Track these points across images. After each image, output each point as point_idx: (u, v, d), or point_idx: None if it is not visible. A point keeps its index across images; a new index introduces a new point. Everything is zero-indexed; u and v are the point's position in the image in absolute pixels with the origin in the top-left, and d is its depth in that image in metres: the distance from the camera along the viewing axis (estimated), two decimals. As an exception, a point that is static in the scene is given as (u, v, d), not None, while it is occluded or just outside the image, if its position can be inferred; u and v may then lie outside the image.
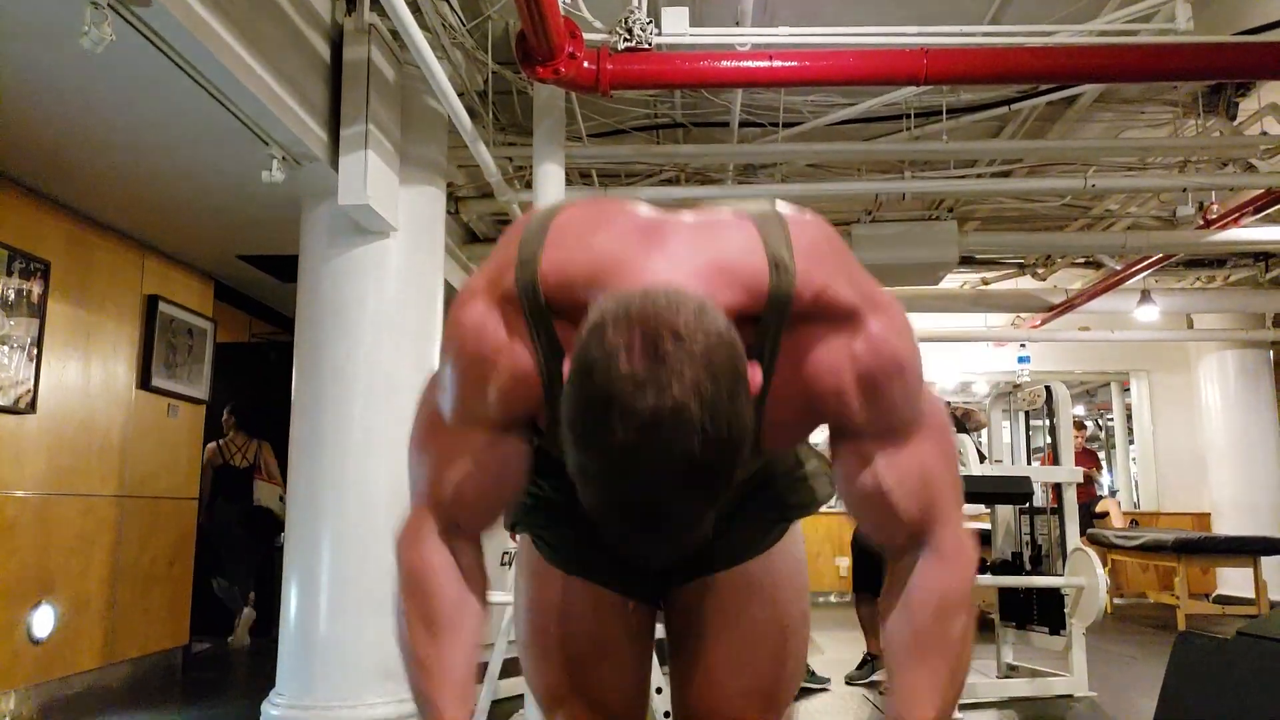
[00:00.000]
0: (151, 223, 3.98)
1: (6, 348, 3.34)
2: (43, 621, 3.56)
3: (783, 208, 0.94)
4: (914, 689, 0.94)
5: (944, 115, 4.10)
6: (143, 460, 4.19)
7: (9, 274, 3.34)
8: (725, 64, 3.16)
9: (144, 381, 4.17)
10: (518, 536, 1.28)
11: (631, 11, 3.10)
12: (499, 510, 1.03)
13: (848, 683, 4.19)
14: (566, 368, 0.78)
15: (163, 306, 4.28)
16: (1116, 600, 7.07)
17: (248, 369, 5.53)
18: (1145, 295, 6.38)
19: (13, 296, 3.37)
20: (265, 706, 3.13)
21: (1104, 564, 6.56)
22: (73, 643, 3.74)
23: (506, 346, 0.91)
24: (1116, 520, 7.31)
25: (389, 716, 3.07)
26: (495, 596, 3.57)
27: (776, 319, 0.88)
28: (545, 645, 1.16)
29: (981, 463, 3.90)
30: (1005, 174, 4.86)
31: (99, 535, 3.93)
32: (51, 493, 3.64)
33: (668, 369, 0.72)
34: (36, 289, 3.49)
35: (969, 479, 3.62)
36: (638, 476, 0.73)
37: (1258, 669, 1.56)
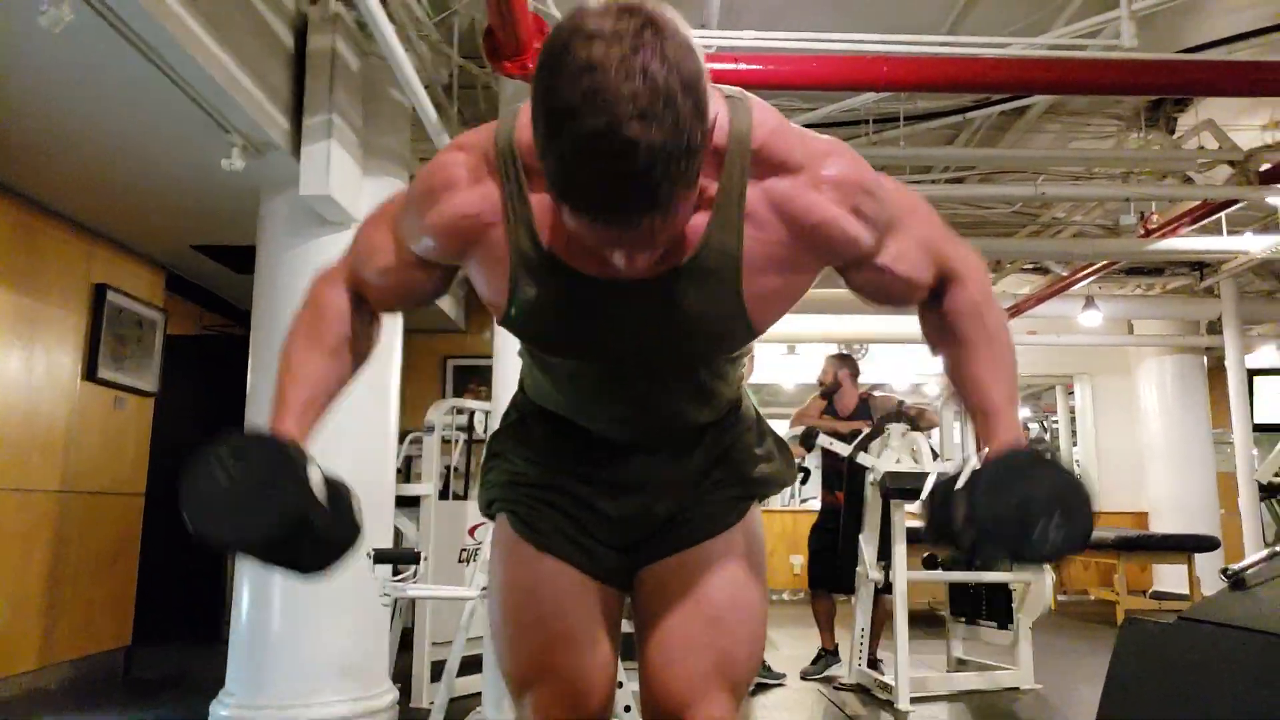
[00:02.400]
0: (102, 210, 3.87)
1: (-54, 336, 3.22)
2: (-20, 620, 3.44)
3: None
4: (981, 380, 1.05)
5: (901, 122, 4.19)
6: (86, 454, 4.08)
7: (-50, 259, 3.23)
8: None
9: (90, 373, 4.06)
10: (487, 526, 1.30)
11: (599, 8, 3.11)
12: (395, 310, 1.14)
13: (803, 678, 4.26)
14: (534, 216, 0.89)
15: (111, 296, 4.16)
16: (1060, 597, 7.29)
17: (200, 362, 5.41)
18: (1089, 301, 6.60)
19: (-46, 283, 3.25)
20: (214, 707, 3.06)
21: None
22: (10, 642, 3.62)
23: (473, 184, 0.97)
24: (1059, 519, 7.52)
25: (345, 715, 3.03)
26: (453, 591, 3.56)
27: (740, 156, 0.93)
28: (517, 626, 1.18)
29: (935, 460, 3.99)
30: (959, 180, 4.99)
31: (39, 531, 3.81)
32: (-9, 487, 3.52)
33: (633, 29, 0.75)
34: (-21, 275, 3.38)
35: (923, 475, 3.70)
36: (598, 95, 0.73)
37: (1198, 651, 1.63)
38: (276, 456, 0.96)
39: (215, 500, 0.92)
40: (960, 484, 0.98)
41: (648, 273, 0.92)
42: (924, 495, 1.05)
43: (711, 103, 0.81)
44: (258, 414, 3.24)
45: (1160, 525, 7.26)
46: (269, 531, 0.92)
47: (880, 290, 1.06)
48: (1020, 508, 0.94)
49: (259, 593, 3.14)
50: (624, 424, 1.16)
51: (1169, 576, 6.93)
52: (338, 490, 0.99)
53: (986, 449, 1.01)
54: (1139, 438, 7.75)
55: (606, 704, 1.21)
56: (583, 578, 1.18)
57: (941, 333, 1.10)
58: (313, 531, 0.95)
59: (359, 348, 1.11)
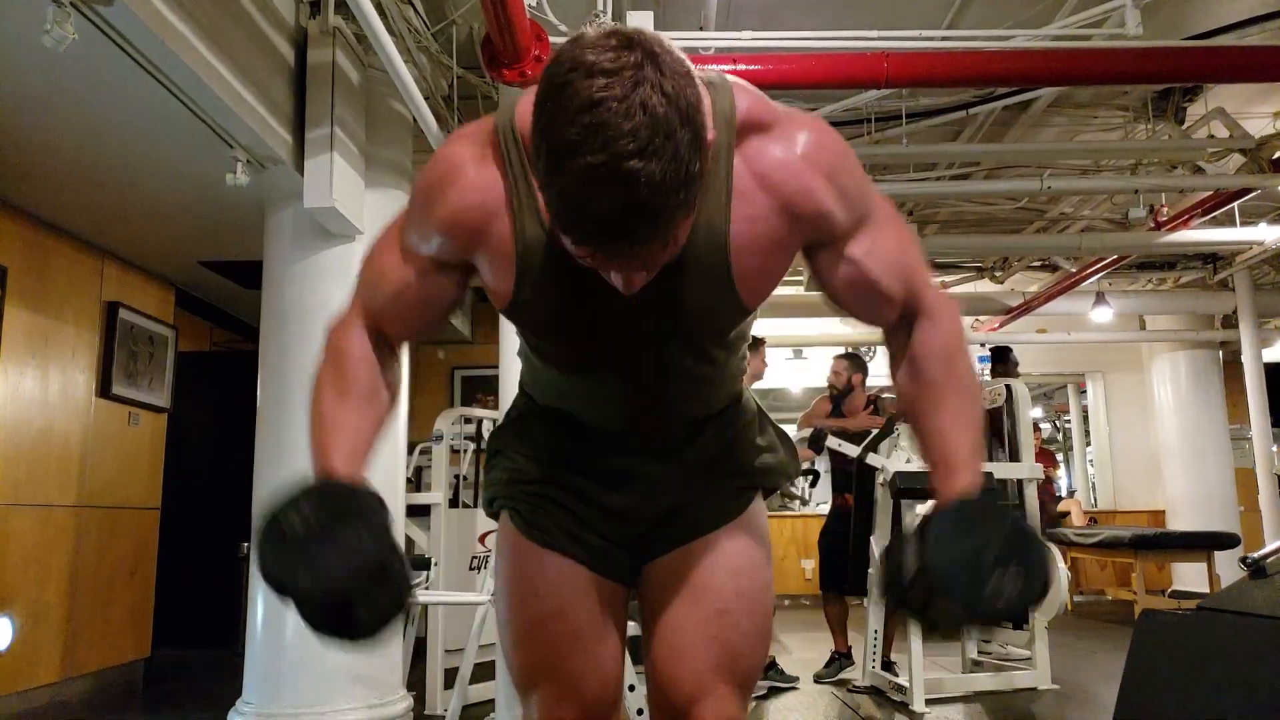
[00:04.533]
0: (112, 228, 3.92)
1: (-39, 354, 3.27)
2: (1, 633, 3.47)
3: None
4: (943, 429, 1.01)
5: (904, 120, 4.19)
6: (102, 469, 4.12)
7: (-37, 279, 3.28)
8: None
9: (104, 390, 4.10)
10: (493, 534, 1.29)
11: (597, 15, 3.13)
12: (416, 333, 1.12)
13: (816, 681, 4.23)
14: (539, 201, 0.87)
15: (123, 314, 4.20)
16: (1076, 597, 7.21)
17: (211, 378, 5.45)
18: (1100, 297, 6.54)
19: (-33, 302, 3.30)
20: (232, 715, 3.09)
21: (1065, 561, 6.73)
22: (31, 656, 3.65)
23: (476, 174, 0.97)
24: (1077, 519, 7.47)
25: (359, 722, 3.05)
26: (463, 597, 3.57)
27: (725, 136, 0.95)
28: (521, 624, 1.18)
29: (945, 460, 3.97)
30: (964, 177, 4.97)
31: (57, 545, 3.84)
32: (8, 503, 3.55)
33: (633, 64, 0.77)
34: (-8, 294, 3.42)
35: (928, 475, 3.68)
36: (600, 132, 0.75)
37: (1218, 640, 1.61)
38: (354, 503, 0.93)
39: (292, 548, 0.89)
40: (911, 535, 0.94)
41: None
42: (879, 552, 1.02)
43: (706, 124, 0.82)
44: (267, 428, 3.26)
45: (1178, 523, 7.18)
46: (346, 577, 0.88)
47: (849, 290, 1.04)
48: (972, 559, 0.88)
49: (273, 603, 3.15)
50: (622, 416, 1.16)
51: (1188, 575, 6.85)
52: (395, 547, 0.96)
53: (939, 500, 0.97)
54: (1154, 435, 7.67)
55: (613, 701, 1.20)
56: (587, 574, 1.18)
57: (908, 374, 1.07)
58: (387, 581, 0.91)
59: (388, 388, 1.09)
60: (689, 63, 0.83)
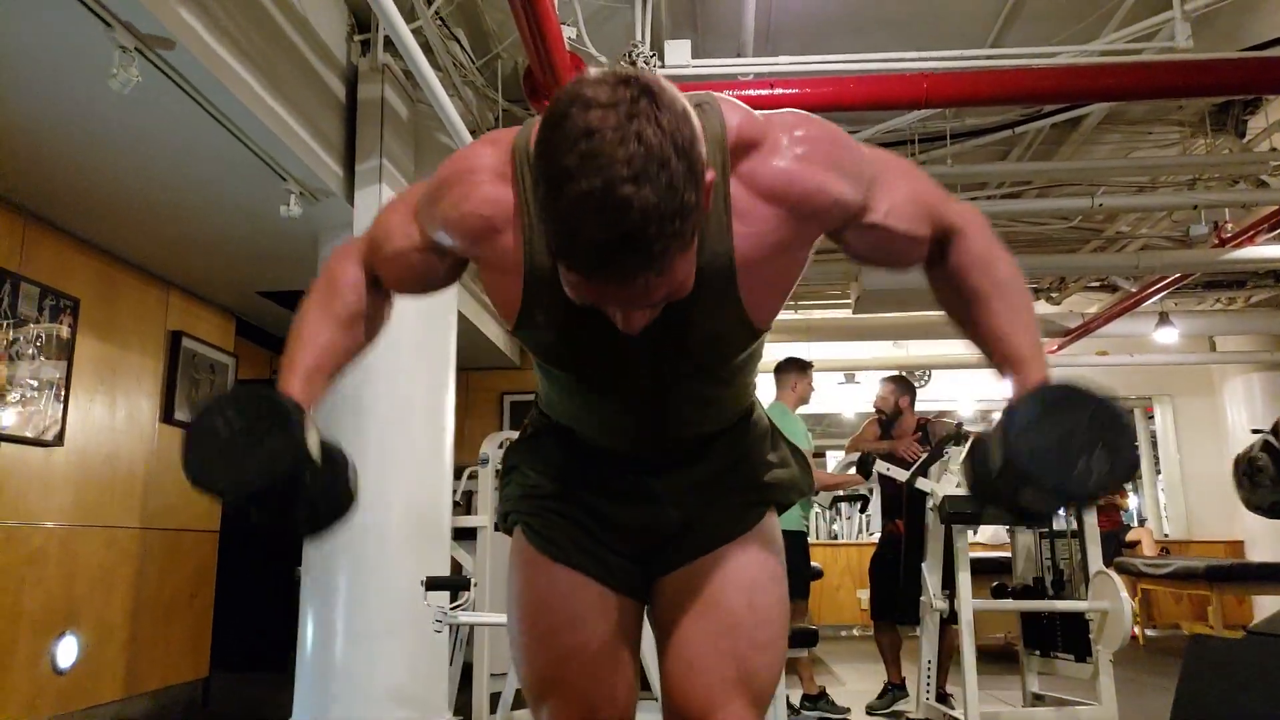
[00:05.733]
0: (175, 260, 4.09)
1: (36, 382, 3.43)
2: (66, 652, 3.60)
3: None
4: (1000, 332, 1.02)
5: (948, 140, 4.15)
6: (164, 493, 4.27)
7: (40, 310, 3.45)
8: (727, 94, 3.22)
9: (167, 415, 4.26)
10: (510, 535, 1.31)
11: (635, 45, 3.19)
12: (407, 292, 1.15)
13: (869, 713, 4.13)
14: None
15: (186, 342, 4.38)
16: (1149, 632, 6.91)
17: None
18: (1164, 318, 6.33)
19: (44, 333, 3.47)
20: (282, 734, 3.15)
21: (1134, 594, 6.46)
22: (95, 674, 3.78)
23: (490, 184, 1.00)
24: (1148, 549, 7.18)
25: (404, 743, 3.08)
26: (504, 618, 3.58)
27: (719, 159, 0.95)
28: (532, 637, 1.19)
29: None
30: (1015, 197, 4.89)
31: (121, 567, 3.99)
32: (77, 524, 3.71)
33: (629, 97, 0.79)
34: (66, 324, 3.60)
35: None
36: (594, 159, 0.77)
37: (1268, 664, 1.54)
38: (274, 411, 0.97)
39: (212, 449, 0.94)
40: (994, 428, 0.94)
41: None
42: (963, 455, 1.03)
43: (701, 157, 0.84)
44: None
45: (1257, 554, 6.84)
46: (259, 481, 0.93)
47: (881, 251, 1.05)
48: (1058, 442, 0.89)
49: (323, 622, 3.23)
50: (633, 435, 1.17)
51: (1271, 609, 6.51)
52: (335, 456, 1.01)
53: (1015, 392, 0.97)
54: (1229, 460, 7.34)
55: (624, 715, 1.20)
56: (599, 588, 1.18)
57: (953, 292, 1.07)
58: (304, 490, 0.96)
59: (370, 322, 1.13)
60: (685, 101, 0.85)
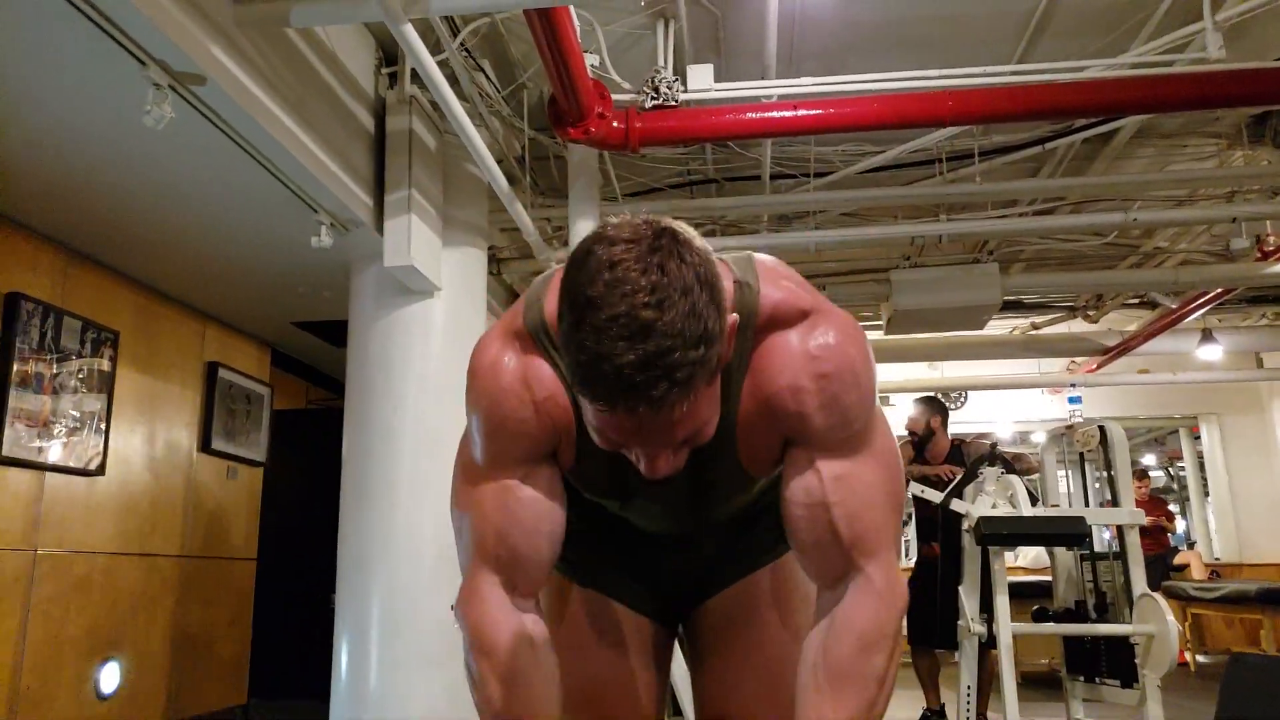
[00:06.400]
0: (211, 292, 4.19)
1: (78, 413, 3.52)
2: (109, 678, 3.66)
3: (757, 255, 1.02)
4: (823, 718, 0.91)
5: (976, 158, 4.12)
6: (203, 521, 4.34)
7: (82, 344, 3.55)
8: (751, 115, 3.24)
9: (205, 445, 4.34)
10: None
11: (658, 71, 3.22)
12: (549, 554, 1.02)
13: (908, 740, 4.04)
14: None
15: (222, 373, 4.47)
16: (1200, 658, 6.69)
17: (305, 434, 5.69)
18: (1207, 334, 6.19)
19: (86, 366, 3.56)
20: (316, 761, 3.16)
21: (1184, 619, 6.26)
22: (137, 700, 3.83)
23: (528, 370, 0.98)
24: (1197, 572, 6.97)
25: (437, 771, 3.07)
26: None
27: (745, 332, 0.95)
28: (560, 659, 1.19)
29: (1034, 505, 3.78)
30: (1048, 213, 4.82)
31: (162, 594, 4.05)
32: (119, 552, 3.78)
33: (651, 234, 0.82)
34: (107, 357, 3.69)
35: (1020, 520, 3.52)
36: (618, 286, 0.78)
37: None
38: None
39: None
40: None
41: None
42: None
43: (724, 296, 0.84)
44: (351, 478, 3.39)
45: (1313, 575, 6.61)
46: None
47: (802, 505, 0.97)
48: None
49: (357, 651, 3.24)
50: (662, 530, 1.18)
51: (1328, 632, 6.27)
52: None
53: None
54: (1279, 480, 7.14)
55: None
56: (627, 612, 1.19)
57: (818, 642, 0.96)
58: None
59: (544, 647, 1.02)
60: (708, 250, 0.86)
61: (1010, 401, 7.35)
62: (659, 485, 0.97)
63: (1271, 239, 5.03)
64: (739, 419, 0.98)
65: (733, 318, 0.85)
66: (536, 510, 1.00)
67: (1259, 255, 5.00)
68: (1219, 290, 5.46)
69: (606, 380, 0.79)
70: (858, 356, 0.95)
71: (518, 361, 0.98)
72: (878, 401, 0.99)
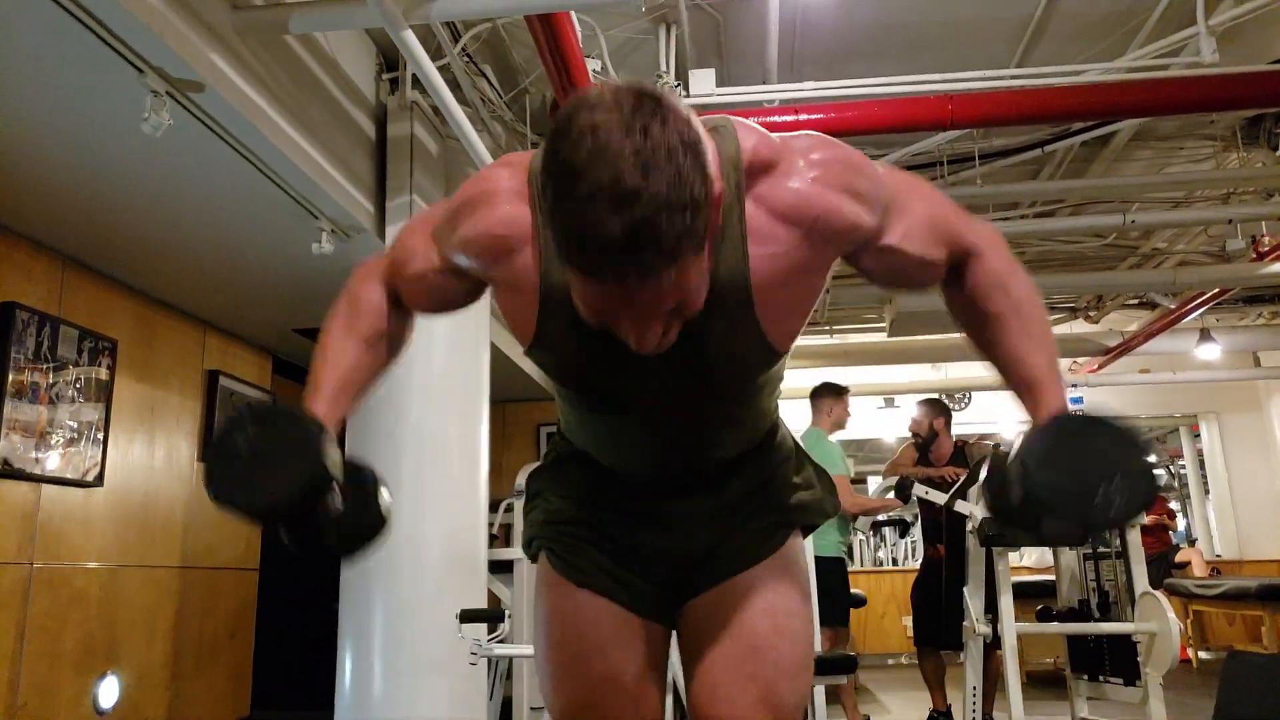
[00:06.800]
0: (211, 300, 4.16)
1: (76, 423, 3.50)
2: (108, 693, 3.62)
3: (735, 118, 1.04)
4: (1016, 354, 1.01)
5: (977, 161, 4.12)
6: (204, 532, 4.30)
7: (79, 352, 3.52)
8: (752, 120, 3.23)
9: (205, 454, 4.31)
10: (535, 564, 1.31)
11: (659, 75, 3.22)
12: (426, 312, 1.16)
13: (914, 743, 4.03)
14: None
15: (223, 381, 4.44)
16: (1202, 655, 6.69)
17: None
18: (1205, 334, 6.21)
19: (83, 375, 3.54)
20: (320, 772, 3.13)
21: (1186, 616, 6.26)
22: (137, 714, 3.80)
23: (508, 204, 0.99)
24: (1198, 570, 6.98)
25: (442, 781, 3.05)
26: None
27: (733, 179, 0.94)
28: (558, 663, 1.19)
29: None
30: (1048, 215, 4.84)
31: (162, 606, 4.02)
32: (117, 564, 3.75)
33: (633, 98, 0.80)
34: (105, 366, 3.66)
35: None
36: (602, 153, 0.77)
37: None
38: (295, 429, 0.97)
39: (232, 466, 0.94)
40: (1012, 459, 0.93)
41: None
42: (981, 479, 1.01)
43: (710, 162, 0.83)
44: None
45: (1313, 572, 6.62)
46: (278, 500, 0.93)
47: (897, 273, 1.05)
48: (1077, 474, 0.89)
49: (360, 659, 3.22)
50: (652, 460, 1.17)
51: (1329, 629, 6.27)
52: (363, 475, 1.02)
53: (1033, 420, 0.96)
54: (1279, 478, 7.15)
55: None
56: (625, 614, 1.18)
57: (970, 313, 1.07)
58: (329, 508, 0.96)
59: (393, 342, 1.14)
60: (691, 114, 0.85)
61: (1014, 403, 7.34)
62: (662, 373, 1.00)
63: (1267, 240, 5.06)
64: (753, 281, 0.96)
65: (719, 185, 0.84)
66: (433, 293, 1.10)
67: (1254, 256, 5.03)
68: (1216, 290, 5.49)
69: (593, 251, 0.78)
70: (842, 150, 0.99)
71: (506, 201, 1.00)
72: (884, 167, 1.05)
